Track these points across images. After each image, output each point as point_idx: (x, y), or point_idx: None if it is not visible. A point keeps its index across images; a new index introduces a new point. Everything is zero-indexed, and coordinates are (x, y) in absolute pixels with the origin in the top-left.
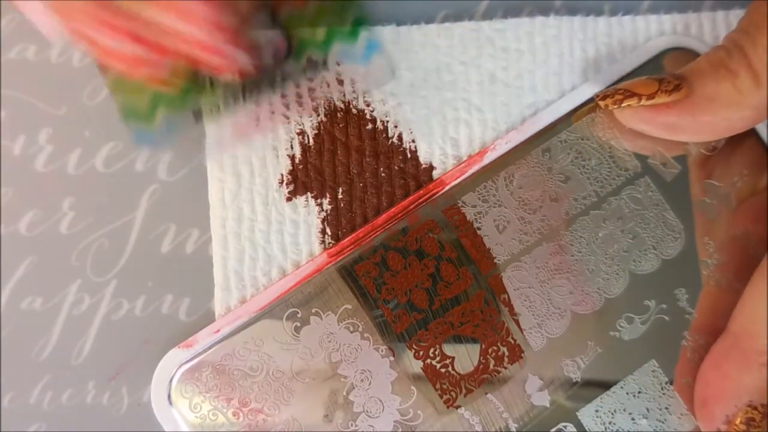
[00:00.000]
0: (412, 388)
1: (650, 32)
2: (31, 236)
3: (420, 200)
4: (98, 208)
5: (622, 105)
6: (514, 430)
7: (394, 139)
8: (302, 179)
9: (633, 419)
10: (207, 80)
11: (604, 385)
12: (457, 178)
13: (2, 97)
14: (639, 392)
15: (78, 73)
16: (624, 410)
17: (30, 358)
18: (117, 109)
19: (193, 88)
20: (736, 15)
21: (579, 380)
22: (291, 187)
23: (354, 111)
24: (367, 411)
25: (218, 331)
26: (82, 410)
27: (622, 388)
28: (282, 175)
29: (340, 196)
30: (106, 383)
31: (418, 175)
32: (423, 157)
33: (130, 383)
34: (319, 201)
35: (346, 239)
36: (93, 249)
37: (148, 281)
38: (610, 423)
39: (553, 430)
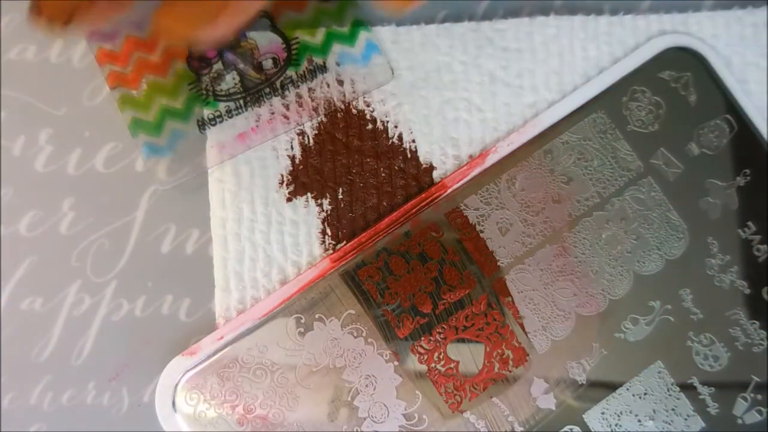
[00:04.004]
0: (417, 392)
1: (651, 31)
2: (31, 236)
3: (422, 204)
4: (98, 209)
5: None
6: None
7: (395, 140)
8: (302, 180)
9: (639, 421)
10: (210, 91)
11: (610, 387)
12: (459, 181)
13: (2, 98)
14: (645, 394)
15: (78, 74)
16: (630, 412)
17: (30, 359)
18: (127, 125)
19: (197, 100)
20: (735, 14)
21: (584, 382)
22: (291, 188)
23: (354, 111)
24: (372, 416)
25: (222, 338)
26: (82, 411)
27: (627, 389)
28: (282, 175)
29: (340, 197)
30: (106, 384)
31: (418, 175)
32: (423, 157)
33: (131, 384)
34: (319, 201)
35: (349, 244)
36: (93, 249)
37: (148, 282)
38: (616, 425)
39: None
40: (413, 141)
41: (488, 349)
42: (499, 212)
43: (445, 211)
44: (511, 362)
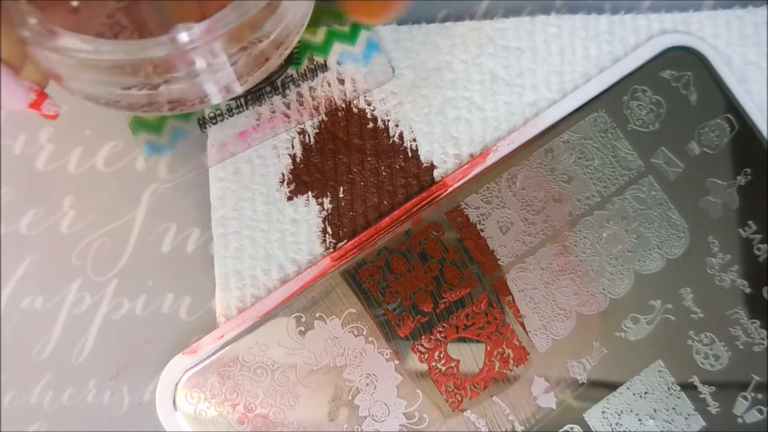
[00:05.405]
0: (418, 391)
1: (651, 31)
2: (32, 235)
3: (423, 203)
4: (99, 207)
5: None
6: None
7: (395, 138)
8: (303, 178)
9: (640, 420)
10: None
11: (611, 386)
12: (460, 180)
13: None
14: (645, 393)
15: None
16: (631, 411)
17: (31, 358)
18: (127, 123)
19: None
20: (736, 14)
21: (585, 381)
22: (292, 186)
23: (355, 110)
24: (372, 415)
25: (222, 336)
26: (82, 409)
27: (628, 388)
28: (283, 174)
29: (341, 195)
30: (106, 382)
31: (419, 174)
32: (424, 156)
33: (131, 382)
34: (320, 200)
35: (350, 243)
36: (94, 248)
37: (148, 280)
38: (616, 424)
39: (560, 431)
40: (414, 140)
41: (489, 348)
42: (499, 211)
43: (445, 210)
44: (511, 361)
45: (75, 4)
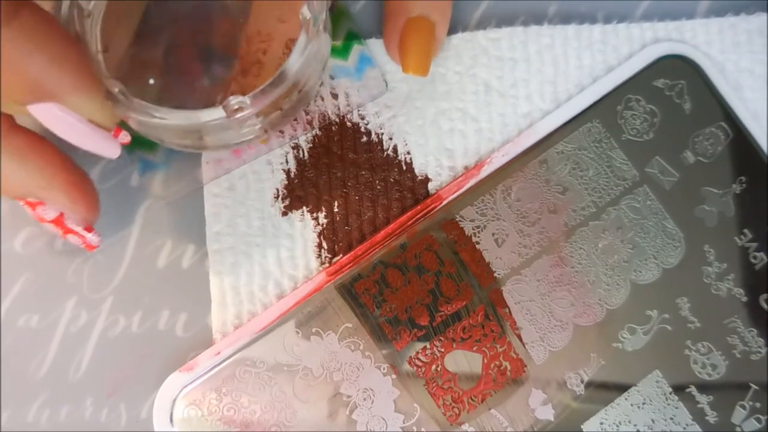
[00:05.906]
0: (415, 405)
1: (645, 39)
2: (27, 253)
3: (418, 216)
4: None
5: None
6: None
7: (389, 152)
8: (298, 193)
9: (638, 430)
10: None
11: (608, 397)
12: (455, 192)
13: None
14: (643, 403)
15: None
16: (629, 422)
17: (27, 376)
18: None
19: None
20: (729, 21)
21: (582, 393)
22: (286, 202)
23: (348, 124)
24: (370, 430)
25: (219, 353)
26: (80, 427)
27: (626, 399)
28: (277, 189)
29: (335, 210)
30: (103, 400)
31: (413, 187)
32: (418, 169)
33: (128, 400)
34: (314, 215)
35: (345, 257)
36: (89, 265)
37: (144, 297)
38: None
39: None
40: (408, 153)
41: (486, 361)
42: (494, 223)
43: (441, 223)
44: (509, 373)
45: (152, 81)
